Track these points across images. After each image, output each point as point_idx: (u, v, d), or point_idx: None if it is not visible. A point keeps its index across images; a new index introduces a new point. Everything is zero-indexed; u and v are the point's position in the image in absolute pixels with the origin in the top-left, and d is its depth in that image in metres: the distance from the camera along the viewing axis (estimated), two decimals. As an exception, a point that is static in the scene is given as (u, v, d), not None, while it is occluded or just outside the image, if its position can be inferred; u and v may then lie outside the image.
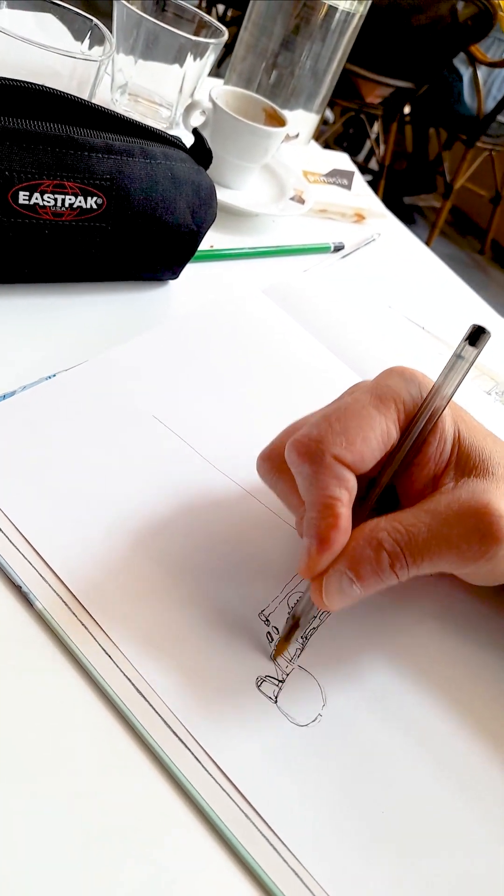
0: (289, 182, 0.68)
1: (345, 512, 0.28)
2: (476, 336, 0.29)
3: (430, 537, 0.28)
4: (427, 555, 0.28)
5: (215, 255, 0.56)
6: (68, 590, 0.30)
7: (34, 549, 0.31)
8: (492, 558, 0.28)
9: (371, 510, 0.31)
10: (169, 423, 0.39)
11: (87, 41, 0.53)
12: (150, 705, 0.28)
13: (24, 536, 0.31)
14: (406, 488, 0.32)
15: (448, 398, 0.30)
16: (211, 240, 0.57)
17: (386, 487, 0.31)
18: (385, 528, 0.29)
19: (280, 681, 0.30)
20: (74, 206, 0.40)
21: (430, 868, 0.27)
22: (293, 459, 0.29)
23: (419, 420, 0.30)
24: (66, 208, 0.40)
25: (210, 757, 0.27)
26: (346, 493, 0.29)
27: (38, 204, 0.38)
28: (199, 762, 0.27)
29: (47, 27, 0.53)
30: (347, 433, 0.29)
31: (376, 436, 0.29)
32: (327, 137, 2.58)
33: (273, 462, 0.32)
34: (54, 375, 0.39)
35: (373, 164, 2.87)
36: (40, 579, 0.30)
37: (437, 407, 0.30)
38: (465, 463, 0.31)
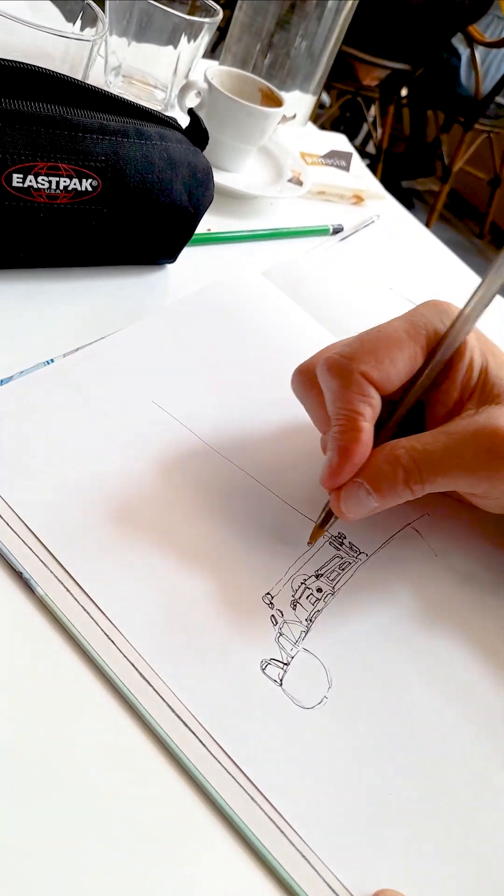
0: (286, 164, 0.67)
1: (367, 426, 0.30)
2: None
3: (445, 455, 0.30)
4: (441, 471, 0.30)
5: (213, 238, 0.56)
6: (70, 575, 0.30)
7: (34, 534, 0.30)
8: (503, 479, 0.30)
9: (394, 431, 0.32)
10: (168, 408, 0.39)
11: (79, 22, 0.52)
12: (154, 690, 0.28)
13: (24, 522, 0.31)
14: (432, 415, 0.33)
15: (473, 321, 0.31)
16: (208, 223, 0.57)
17: (414, 411, 0.33)
18: (404, 445, 0.30)
19: (285, 664, 0.30)
20: (69, 188, 0.39)
21: (438, 849, 0.27)
22: (323, 374, 0.32)
23: (444, 343, 0.32)
24: (61, 191, 0.39)
25: (215, 740, 0.27)
26: (369, 409, 0.30)
27: (32, 187, 0.38)
28: (205, 745, 0.27)
29: (38, 8, 0.52)
30: (377, 353, 0.31)
31: (404, 358, 0.31)
32: (324, 121, 2.56)
33: (306, 377, 0.34)
34: (52, 361, 0.39)
35: (370, 148, 2.84)
36: (41, 565, 0.30)
37: (461, 331, 0.32)
38: (490, 392, 0.32)
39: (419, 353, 0.32)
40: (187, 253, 0.50)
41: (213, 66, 0.63)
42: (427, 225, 2.62)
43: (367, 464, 0.30)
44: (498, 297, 0.68)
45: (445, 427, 0.31)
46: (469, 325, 0.32)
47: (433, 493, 0.32)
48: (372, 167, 2.59)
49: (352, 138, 2.83)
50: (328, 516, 0.33)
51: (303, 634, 0.31)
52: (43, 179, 0.38)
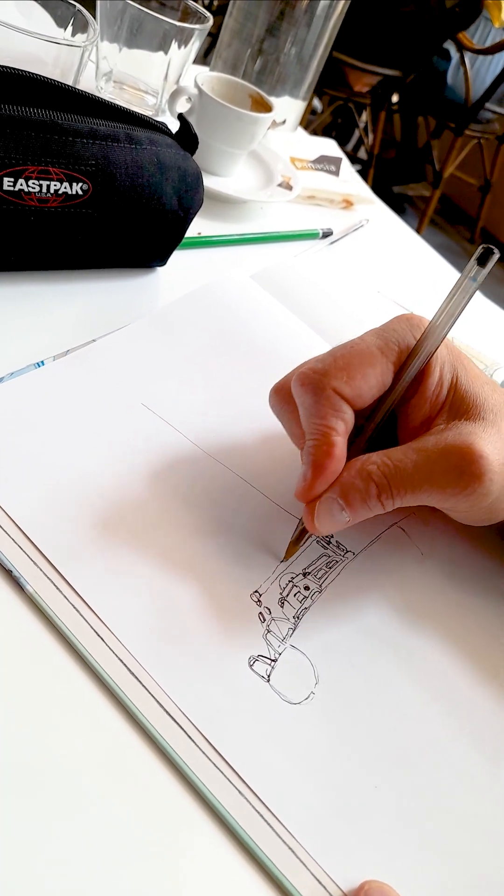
0: (276, 168, 0.68)
1: (339, 441, 0.31)
2: (486, 257, 0.30)
3: (415, 472, 0.30)
4: (411, 488, 0.30)
5: (203, 242, 0.56)
6: (59, 573, 0.30)
7: (24, 533, 0.31)
8: (470, 495, 0.30)
9: (367, 445, 0.33)
10: (158, 411, 0.39)
11: (70, 27, 0.53)
12: (143, 686, 0.28)
13: (13, 521, 0.31)
14: (403, 429, 0.34)
15: (442, 335, 0.32)
16: (198, 227, 0.57)
17: (385, 426, 0.33)
18: (375, 461, 0.31)
19: (272, 660, 0.30)
20: (60, 192, 0.40)
21: (422, 840, 0.27)
22: (297, 390, 0.32)
23: (413, 359, 0.32)
24: (52, 194, 0.39)
25: (203, 735, 0.27)
26: (342, 424, 0.31)
27: (23, 190, 0.38)
28: (193, 740, 0.27)
29: (29, 14, 0.52)
30: (349, 369, 0.31)
31: (376, 374, 0.32)
32: (315, 127, 2.57)
33: (282, 394, 0.34)
34: (42, 363, 0.39)
35: (361, 154, 2.86)
36: (31, 563, 0.30)
37: (429, 346, 0.32)
38: (459, 407, 0.32)
39: (391, 369, 0.32)
40: (177, 256, 0.51)
41: (203, 71, 0.63)
42: (418, 230, 2.63)
43: (339, 478, 0.31)
44: (489, 303, 0.69)
45: (416, 443, 0.31)
46: (437, 340, 0.32)
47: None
48: (363, 173, 2.61)
49: (343, 144, 2.85)
50: (302, 532, 0.34)
51: (290, 631, 0.32)
52: (34, 183, 0.38)
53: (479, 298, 0.69)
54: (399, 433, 0.34)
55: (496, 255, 0.30)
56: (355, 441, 0.33)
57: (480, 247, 0.30)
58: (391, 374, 0.32)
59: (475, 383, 0.33)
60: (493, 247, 0.30)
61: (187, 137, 0.46)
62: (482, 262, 0.30)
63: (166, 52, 0.62)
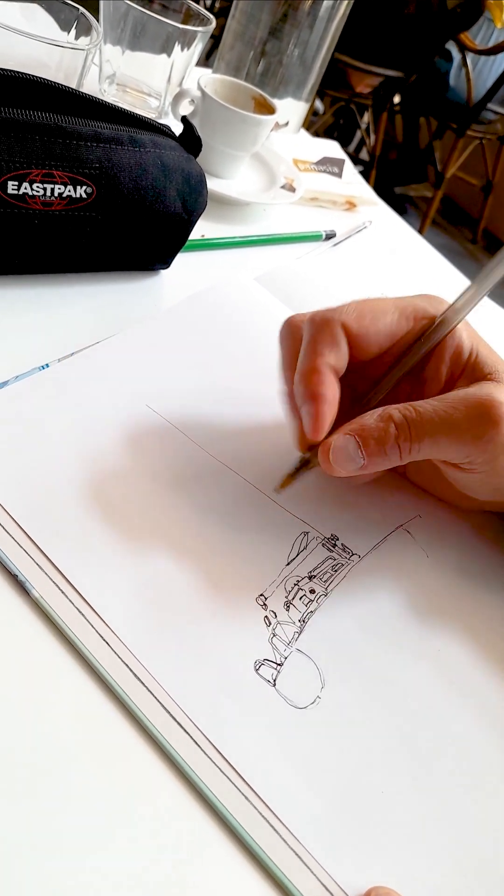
0: (279, 170, 0.68)
1: (326, 370, 0.32)
2: None
3: (436, 417, 0.31)
4: (431, 433, 0.31)
5: (207, 245, 0.56)
6: (65, 577, 0.30)
7: (30, 537, 0.31)
8: (489, 442, 0.31)
9: (381, 398, 0.34)
10: (163, 412, 0.39)
11: (73, 31, 0.53)
12: (149, 690, 0.28)
13: (19, 526, 0.31)
14: (423, 392, 0.35)
15: (466, 311, 0.33)
16: (202, 229, 0.57)
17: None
18: (398, 407, 0.32)
19: (278, 664, 0.30)
20: (64, 195, 0.40)
21: (431, 847, 0.27)
22: (307, 321, 0.33)
23: (438, 325, 0.33)
24: (56, 198, 0.39)
25: (209, 740, 0.27)
26: (333, 357, 0.32)
27: (27, 193, 0.38)
28: (198, 745, 0.27)
29: (33, 17, 0.52)
30: (361, 309, 0.33)
31: (386, 322, 0.33)
32: (318, 128, 2.57)
33: (292, 325, 0.36)
34: (47, 366, 0.39)
35: (363, 155, 2.86)
36: (36, 568, 0.30)
37: (454, 317, 0.33)
38: (480, 371, 0.34)
39: (403, 323, 0.33)
40: (181, 259, 0.51)
41: (206, 74, 0.63)
42: (420, 231, 2.63)
43: (360, 420, 0.32)
44: (492, 304, 0.69)
45: (437, 397, 0.32)
46: (462, 314, 0.33)
47: (423, 491, 0.32)
48: (365, 174, 2.61)
49: (345, 145, 2.85)
50: (302, 465, 0.34)
51: (296, 635, 0.32)
52: (38, 186, 0.38)
53: (487, 304, 0.69)
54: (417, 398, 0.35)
55: None
56: (370, 397, 0.34)
57: None
58: (403, 327, 0.33)
59: (494, 356, 0.34)
60: None
61: (191, 140, 0.46)
62: None
63: (169, 55, 0.62)
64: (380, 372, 0.34)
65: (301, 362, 0.33)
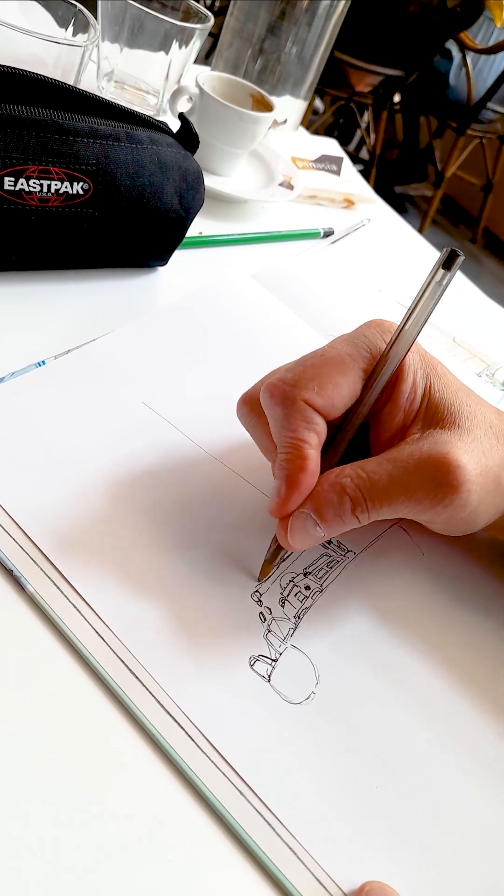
0: (277, 168, 0.68)
1: (312, 454, 0.30)
2: (451, 260, 0.29)
3: (390, 483, 0.29)
4: (386, 500, 0.29)
5: (204, 242, 0.56)
6: (60, 573, 0.30)
7: (25, 532, 0.31)
8: (448, 506, 0.29)
9: (340, 456, 0.32)
10: (159, 410, 0.39)
11: (71, 28, 0.53)
12: (144, 685, 0.28)
13: (14, 520, 0.31)
14: (376, 439, 0.32)
15: (413, 338, 0.31)
16: (200, 226, 0.57)
17: (359, 434, 0.32)
18: (349, 474, 0.30)
19: (273, 660, 0.30)
20: (60, 191, 0.40)
21: (427, 841, 0.27)
22: (266, 401, 0.31)
23: (383, 365, 0.31)
24: (53, 194, 0.39)
25: (204, 735, 0.27)
26: (314, 437, 0.30)
27: (23, 190, 0.38)
28: (193, 740, 0.27)
29: (30, 14, 0.52)
30: (320, 378, 0.30)
31: (348, 382, 0.30)
32: (317, 127, 2.57)
33: (250, 406, 0.33)
34: (44, 363, 0.39)
35: (363, 154, 2.86)
36: (31, 563, 0.30)
37: (402, 348, 0.31)
38: (434, 415, 0.31)
39: (362, 376, 0.31)
40: (178, 256, 0.51)
41: (204, 71, 0.63)
42: (420, 230, 2.63)
43: (313, 492, 0.30)
44: (491, 303, 0.69)
45: (390, 453, 0.30)
46: (406, 345, 0.31)
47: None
48: (365, 173, 2.61)
49: (345, 144, 2.85)
50: (277, 550, 0.32)
51: (291, 631, 0.32)
52: (34, 183, 0.38)
53: (480, 298, 0.69)
54: (372, 444, 0.33)
55: (461, 258, 0.29)
56: (328, 453, 0.32)
57: (445, 249, 0.29)
58: (362, 381, 0.31)
59: (449, 390, 0.32)
60: (457, 249, 0.29)
61: (188, 137, 0.46)
62: (447, 265, 0.29)
63: (167, 52, 0.62)
64: (342, 419, 0.32)
65: (283, 447, 0.30)
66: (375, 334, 0.32)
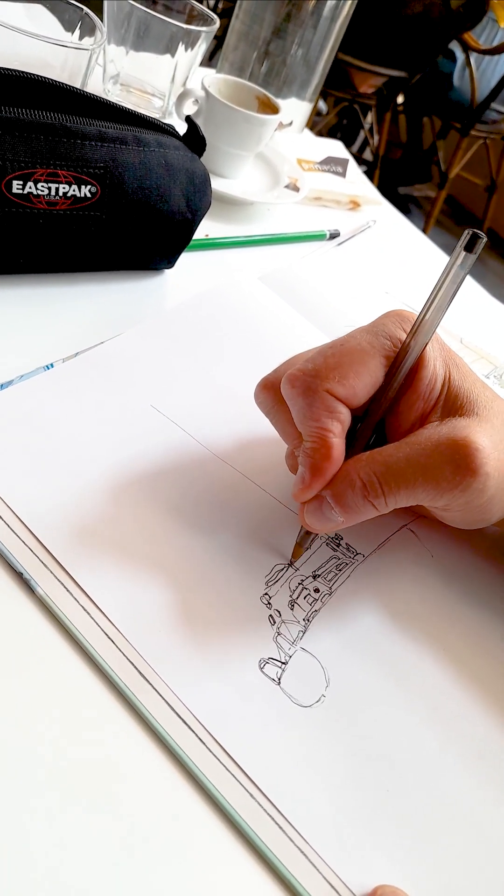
0: (283, 170, 0.68)
1: (337, 443, 0.30)
2: (472, 242, 0.29)
3: (408, 466, 0.29)
4: (404, 483, 0.29)
5: (211, 244, 0.56)
6: (70, 575, 0.30)
7: (35, 535, 0.31)
8: (465, 489, 0.29)
9: (364, 445, 0.32)
10: (167, 412, 0.39)
11: (77, 31, 0.53)
12: (154, 688, 0.28)
13: (24, 524, 0.31)
14: (396, 427, 0.33)
15: (434, 327, 0.31)
16: (206, 229, 0.57)
17: (378, 426, 0.32)
18: (365, 459, 0.30)
19: (283, 662, 0.30)
20: (68, 194, 0.40)
21: (438, 845, 0.27)
22: (288, 392, 0.31)
23: (405, 354, 0.31)
24: (60, 197, 0.39)
25: (214, 738, 0.27)
26: (338, 425, 0.30)
27: (31, 193, 0.38)
28: (203, 743, 0.27)
29: (37, 17, 0.52)
30: (341, 368, 0.30)
31: (369, 371, 0.31)
32: (321, 128, 2.57)
33: (271, 393, 0.33)
34: (52, 366, 0.39)
35: (367, 155, 2.85)
36: (41, 566, 0.30)
37: (420, 340, 0.31)
38: (453, 404, 0.32)
39: (383, 364, 0.31)
40: (185, 258, 0.51)
41: (210, 73, 0.63)
42: (424, 230, 2.63)
43: (333, 478, 0.30)
44: (496, 303, 0.69)
45: (409, 438, 0.31)
46: (428, 335, 0.31)
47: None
48: (369, 174, 2.60)
49: (349, 145, 2.84)
50: (307, 533, 0.33)
51: (300, 634, 0.32)
52: (42, 186, 0.39)
53: (487, 299, 0.69)
54: (390, 432, 0.33)
55: (483, 240, 0.29)
56: (352, 442, 0.32)
57: (467, 231, 0.29)
58: (384, 370, 0.31)
59: (467, 381, 0.32)
60: (479, 231, 0.28)
61: (195, 139, 0.46)
62: (469, 247, 0.29)
63: (173, 55, 0.62)
64: (365, 406, 0.32)
65: (308, 436, 0.30)
66: (395, 324, 0.32)
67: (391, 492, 0.29)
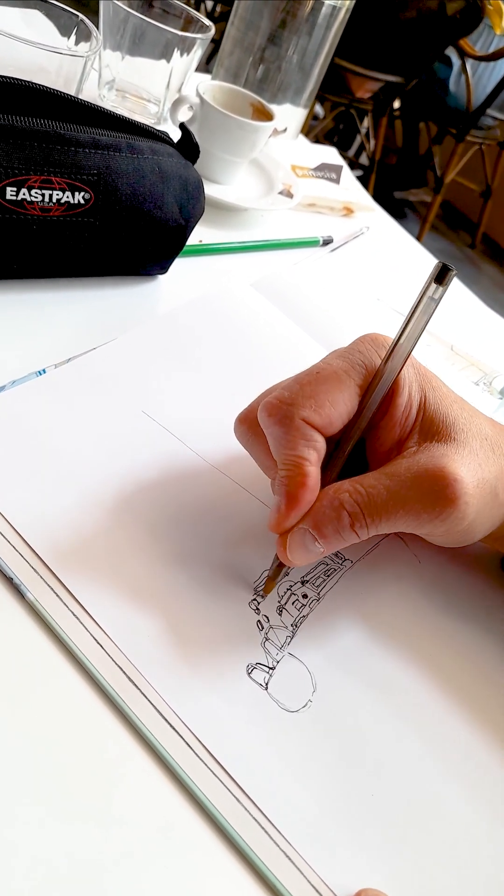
0: (277, 176, 0.68)
1: (313, 471, 0.30)
2: (443, 274, 0.29)
3: (389, 498, 0.29)
4: (385, 515, 0.29)
5: (204, 250, 0.56)
6: (59, 581, 0.30)
7: (25, 541, 0.31)
8: (445, 520, 0.30)
9: (338, 472, 0.32)
10: (159, 419, 0.39)
11: (73, 37, 0.53)
12: (142, 693, 0.28)
13: (14, 529, 0.31)
14: (373, 452, 0.33)
15: (407, 353, 0.31)
16: (200, 235, 0.58)
17: (355, 451, 0.32)
18: (347, 489, 0.30)
19: (271, 668, 0.31)
20: (62, 201, 0.40)
21: (420, 848, 0.27)
22: (265, 420, 0.31)
23: (379, 380, 0.31)
24: (54, 204, 0.40)
25: (201, 742, 0.27)
26: (314, 454, 0.30)
27: (25, 199, 0.39)
28: (190, 747, 0.27)
29: (33, 23, 0.53)
30: (317, 396, 0.30)
31: (344, 399, 0.31)
32: (317, 133, 2.58)
33: (248, 424, 0.33)
34: (44, 371, 0.39)
35: (363, 160, 2.86)
36: (31, 571, 0.30)
37: (396, 363, 0.31)
38: (430, 428, 0.32)
39: (358, 392, 0.31)
40: (178, 264, 0.51)
41: (205, 80, 0.64)
42: (419, 235, 2.64)
43: (311, 508, 0.30)
44: (488, 311, 0.69)
45: (388, 468, 0.31)
46: (401, 360, 0.31)
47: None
48: (365, 178, 2.61)
49: (345, 150, 2.85)
50: (279, 567, 0.33)
51: (288, 639, 0.32)
52: (36, 192, 0.39)
53: (478, 306, 0.69)
54: (369, 457, 0.33)
55: (454, 273, 0.29)
56: (327, 468, 0.32)
57: (437, 264, 0.29)
58: (359, 397, 0.31)
59: (444, 402, 0.32)
60: (449, 264, 0.29)
61: (188, 146, 0.46)
62: (440, 280, 0.29)
63: (168, 61, 0.62)
64: (340, 434, 0.32)
65: (283, 464, 0.30)
66: (370, 349, 0.32)
67: (373, 522, 0.30)
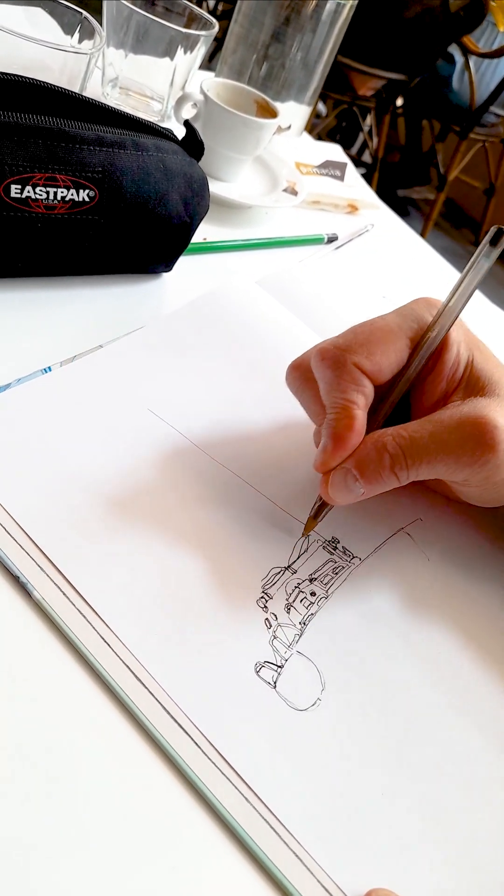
0: (281, 174, 0.68)
1: (360, 414, 0.32)
2: (497, 237, 0.31)
3: (430, 442, 0.31)
4: (426, 457, 0.31)
5: (209, 248, 0.56)
6: (66, 579, 0.30)
7: (32, 539, 0.31)
8: (484, 465, 0.31)
9: (384, 421, 0.34)
10: (165, 416, 0.39)
11: (76, 35, 0.53)
12: (150, 692, 0.28)
13: (21, 527, 0.31)
14: (418, 406, 0.35)
15: (457, 312, 0.33)
16: (204, 232, 0.57)
17: (400, 407, 0.34)
18: (391, 433, 0.32)
19: (279, 666, 0.30)
20: (66, 198, 0.40)
21: (431, 849, 0.27)
22: (317, 364, 0.33)
23: (429, 336, 0.33)
24: (59, 201, 0.40)
25: (210, 742, 0.27)
26: (362, 398, 0.32)
27: (30, 197, 0.38)
28: (199, 747, 0.27)
29: (37, 21, 0.52)
30: (369, 344, 0.32)
31: (395, 349, 0.33)
32: (320, 130, 2.57)
33: (300, 371, 0.35)
34: (49, 369, 0.39)
35: (366, 157, 2.86)
36: (38, 569, 0.30)
37: (444, 323, 0.33)
38: (475, 385, 0.33)
39: (409, 345, 0.33)
40: (183, 262, 0.51)
41: (209, 77, 0.64)
42: (422, 233, 2.63)
43: (355, 450, 0.32)
44: (494, 307, 0.69)
45: (431, 416, 0.32)
46: (452, 318, 0.33)
47: (423, 495, 0.32)
48: (368, 176, 2.61)
49: (348, 147, 2.85)
50: (321, 507, 0.34)
51: (296, 637, 0.32)
52: (41, 190, 0.39)
53: (482, 302, 0.69)
54: (414, 410, 0.35)
55: None
56: (373, 416, 0.33)
57: (493, 227, 0.31)
58: (409, 350, 0.33)
59: (490, 363, 0.34)
60: None
61: (193, 144, 0.46)
62: (494, 242, 0.31)
63: (172, 58, 0.62)
64: (388, 385, 0.34)
65: (332, 406, 0.32)
66: (423, 308, 0.34)
67: (414, 465, 0.31)
